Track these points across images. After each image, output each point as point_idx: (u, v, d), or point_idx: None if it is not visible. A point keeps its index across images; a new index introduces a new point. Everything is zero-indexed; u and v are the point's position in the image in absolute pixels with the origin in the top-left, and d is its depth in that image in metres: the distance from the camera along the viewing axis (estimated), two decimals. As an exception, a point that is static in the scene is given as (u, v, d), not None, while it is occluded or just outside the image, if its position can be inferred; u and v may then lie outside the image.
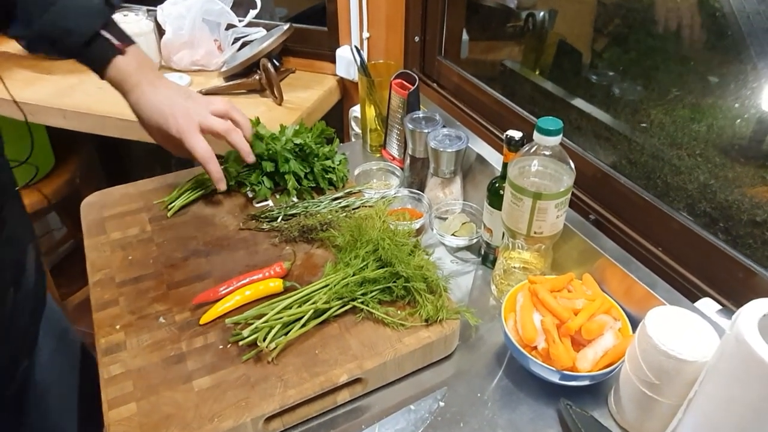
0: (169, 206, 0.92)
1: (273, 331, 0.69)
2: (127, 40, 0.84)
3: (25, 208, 0.82)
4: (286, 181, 0.96)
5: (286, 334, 0.70)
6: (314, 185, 0.99)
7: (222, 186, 0.89)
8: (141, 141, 1.31)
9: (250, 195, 0.97)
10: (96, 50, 0.81)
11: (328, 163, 1.00)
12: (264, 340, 0.68)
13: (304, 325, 0.71)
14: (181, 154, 0.88)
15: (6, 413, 0.80)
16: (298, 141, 0.97)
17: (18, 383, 0.75)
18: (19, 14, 0.77)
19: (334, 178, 1.00)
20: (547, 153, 0.73)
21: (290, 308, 0.72)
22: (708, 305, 0.73)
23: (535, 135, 0.72)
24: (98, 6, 0.81)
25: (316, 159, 0.99)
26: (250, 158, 0.91)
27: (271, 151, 0.96)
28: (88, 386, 0.95)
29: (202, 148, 0.85)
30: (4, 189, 0.75)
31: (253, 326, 0.69)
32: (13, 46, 1.61)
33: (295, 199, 0.96)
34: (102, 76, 0.84)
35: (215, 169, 0.87)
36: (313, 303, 0.72)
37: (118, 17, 1.46)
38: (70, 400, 0.93)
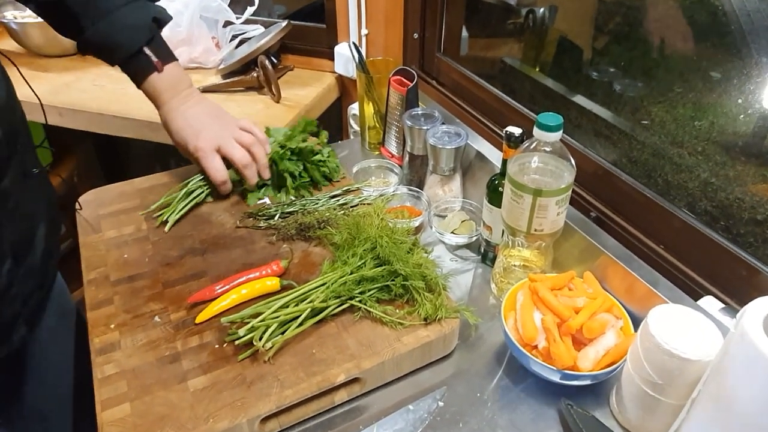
0: (165, 219, 0.89)
1: (269, 331, 0.68)
2: (166, 58, 0.89)
3: (46, 187, 0.84)
4: (284, 179, 0.95)
5: (282, 333, 0.69)
6: (308, 180, 0.98)
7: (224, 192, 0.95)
8: (139, 139, 1.31)
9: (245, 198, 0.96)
10: (136, 64, 0.87)
11: (318, 156, 0.99)
12: (260, 339, 0.67)
13: (301, 324, 0.70)
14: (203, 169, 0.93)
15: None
16: (293, 146, 0.97)
17: (14, 348, 0.75)
18: (73, 20, 0.83)
19: (327, 171, 1.00)
20: (547, 149, 0.72)
21: (287, 307, 0.71)
22: (711, 303, 0.72)
23: (535, 131, 0.70)
24: (146, 23, 0.86)
25: (307, 155, 0.98)
26: (267, 173, 0.95)
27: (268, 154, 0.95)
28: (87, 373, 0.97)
29: (215, 170, 0.90)
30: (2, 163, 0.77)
31: (249, 325, 0.68)
32: (9, 44, 1.60)
33: (293, 198, 0.95)
34: (138, 87, 0.91)
35: (225, 190, 0.94)
36: (311, 302, 0.71)
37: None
38: (66, 379, 0.93)
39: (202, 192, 0.94)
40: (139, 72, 0.88)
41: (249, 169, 0.92)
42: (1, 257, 0.69)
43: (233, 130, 0.93)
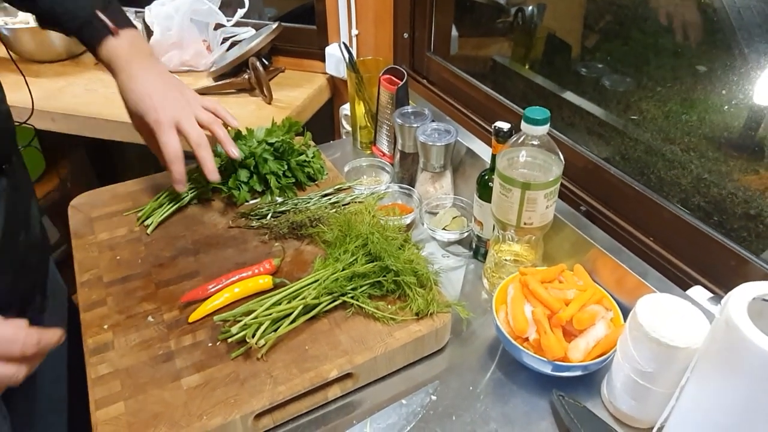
0: (146, 223, 0.89)
1: (262, 328, 0.68)
2: (123, 24, 0.84)
3: (26, 167, 0.84)
4: (268, 181, 0.95)
5: (275, 330, 0.69)
6: (293, 181, 0.98)
7: (181, 188, 0.86)
8: (132, 143, 1.31)
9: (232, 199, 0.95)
10: (91, 31, 0.82)
11: (303, 157, 0.99)
12: (253, 336, 0.67)
13: (293, 321, 0.70)
14: (152, 146, 0.87)
15: None
16: (272, 140, 0.96)
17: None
18: None
19: (312, 172, 1.00)
20: (535, 143, 0.72)
21: (279, 304, 0.71)
22: (699, 293, 0.72)
23: (523, 125, 0.71)
24: None
25: (291, 155, 0.98)
26: (234, 153, 0.89)
27: (248, 155, 0.94)
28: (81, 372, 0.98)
29: (171, 146, 0.82)
30: (11, 136, 0.78)
31: (241, 323, 0.68)
32: None
33: (279, 199, 0.95)
34: (96, 57, 0.85)
35: (178, 170, 0.84)
36: (303, 298, 0.71)
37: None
38: (60, 378, 0.93)
39: (186, 195, 0.92)
40: (94, 38, 0.83)
41: (203, 150, 0.84)
42: (17, 228, 0.70)
43: (196, 107, 0.86)
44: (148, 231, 0.88)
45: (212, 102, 0.90)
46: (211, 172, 0.86)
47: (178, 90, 0.86)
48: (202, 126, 0.85)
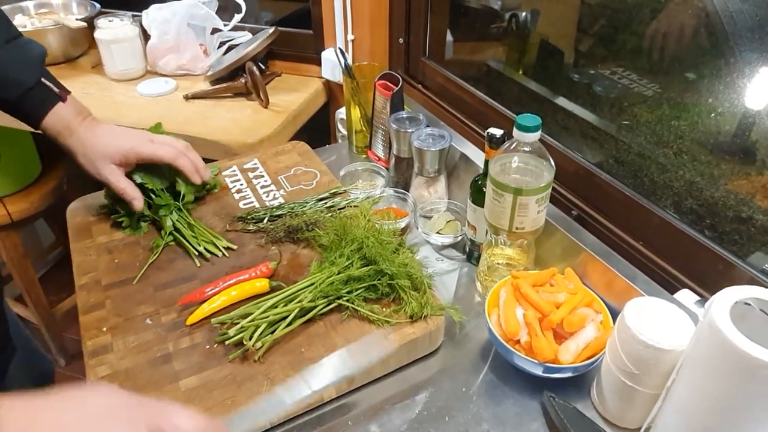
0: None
1: (259, 330, 0.69)
2: (64, 90, 0.86)
3: None
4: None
5: (272, 332, 0.70)
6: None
7: (196, 177, 0.90)
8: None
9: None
10: (36, 98, 0.83)
11: None
12: (250, 339, 0.68)
13: (290, 324, 0.71)
14: (115, 180, 0.87)
15: None
16: None
17: None
18: None
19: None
20: (526, 149, 0.74)
21: (276, 307, 0.72)
22: (687, 296, 0.74)
23: (515, 132, 0.73)
24: (38, 57, 0.84)
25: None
26: (197, 179, 0.91)
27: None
28: None
29: (165, 149, 0.87)
30: None
31: (239, 326, 0.69)
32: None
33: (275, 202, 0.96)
34: (37, 125, 0.85)
35: (185, 161, 0.88)
36: (299, 302, 0.73)
37: (103, 23, 1.47)
38: None
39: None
40: (40, 105, 0.84)
41: (182, 158, 0.88)
42: None
43: (148, 135, 0.89)
44: (136, 234, 0.89)
45: (165, 136, 0.92)
46: (194, 172, 0.90)
47: (128, 131, 0.90)
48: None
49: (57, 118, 0.85)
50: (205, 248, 0.86)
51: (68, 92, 0.87)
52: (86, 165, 0.87)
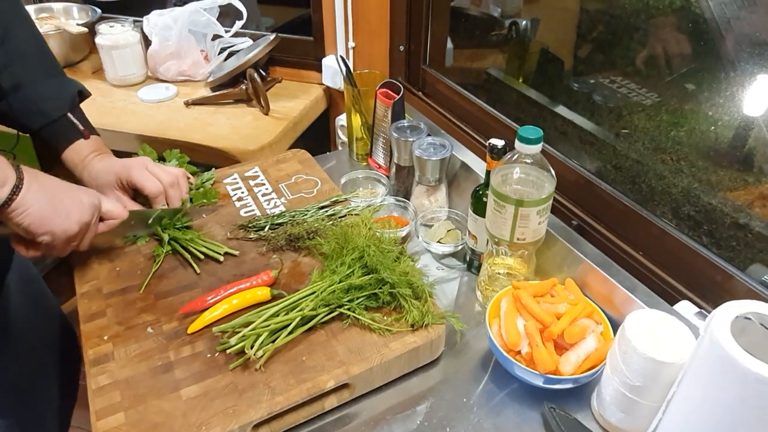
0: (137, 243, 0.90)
1: (260, 339, 0.69)
2: (91, 129, 0.92)
3: None
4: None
5: (273, 341, 0.70)
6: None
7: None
8: (126, 151, 1.32)
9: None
10: (59, 131, 0.89)
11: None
12: (251, 347, 0.68)
13: (291, 332, 0.72)
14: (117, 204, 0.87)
15: None
16: None
17: None
18: None
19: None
20: (528, 161, 0.74)
21: (277, 315, 0.72)
22: (686, 308, 0.75)
23: (517, 143, 0.73)
24: (71, 94, 0.90)
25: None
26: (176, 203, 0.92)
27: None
28: (67, 352, 1.01)
29: (151, 182, 0.88)
30: None
31: (240, 334, 0.70)
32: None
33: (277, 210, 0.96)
34: (58, 156, 0.91)
35: (161, 204, 0.90)
36: (300, 310, 0.73)
37: (104, 28, 1.48)
38: (43, 354, 0.96)
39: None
40: (62, 138, 0.89)
41: (160, 198, 0.90)
42: None
43: (145, 162, 0.92)
44: (138, 243, 0.90)
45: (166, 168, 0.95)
46: (177, 200, 0.92)
47: (131, 159, 0.93)
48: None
49: (75, 153, 0.90)
50: (204, 253, 0.86)
51: (94, 132, 0.93)
52: (107, 185, 0.90)
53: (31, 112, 0.87)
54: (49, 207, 0.71)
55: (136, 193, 0.91)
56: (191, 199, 0.96)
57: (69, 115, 0.89)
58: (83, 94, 0.93)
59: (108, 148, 0.94)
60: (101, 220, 0.81)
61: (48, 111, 0.87)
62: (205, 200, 0.98)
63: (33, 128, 0.88)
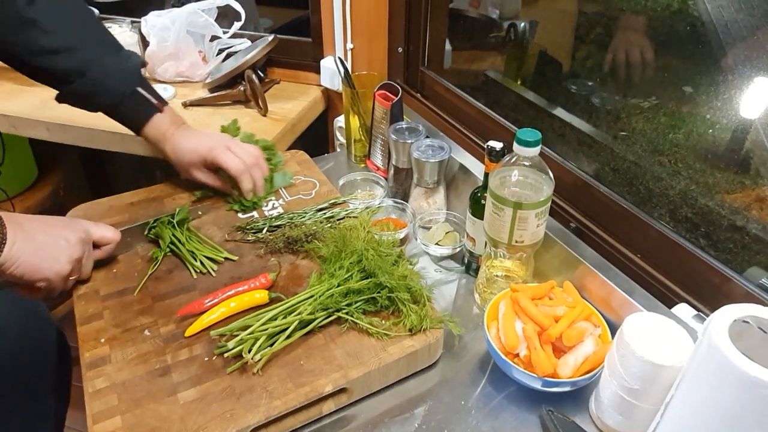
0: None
1: (258, 343, 0.69)
2: (161, 100, 0.95)
3: None
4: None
5: (271, 345, 0.70)
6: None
7: (250, 195, 0.97)
8: (126, 153, 1.31)
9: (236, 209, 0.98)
10: (133, 107, 0.92)
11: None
12: (249, 351, 0.68)
13: (289, 336, 0.71)
14: (208, 180, 0.98)
15: None
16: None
17: None
18: (62, 74, 0.88)
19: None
20: (527, 163, 0.74)
21: (275, 319, 0.72)
22: (684, 311, 0.74)
23: (515, 146, 0.73)
24: (136, 67, 0.92)
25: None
26: (248, 196, 0.97)
27: None
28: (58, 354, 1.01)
29: (233, 161, 0.93)
30: None
31: (238, 338, 0.69)
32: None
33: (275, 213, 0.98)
34: (138, 132, 0.95)
35: (247, 180, 0.95)
36: (299, 314, 0.73)
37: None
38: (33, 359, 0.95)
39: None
40: (139, 114, 0.93)
41: (245, 176, 0.94)
42: None
43: (227, 141, 0.96)
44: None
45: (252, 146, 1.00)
46: (260, 189, 0.98)
47: (215, 133, 1.00)
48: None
49: (155, 128, 0.94)
50: (201, 262, 0.86)
51: (165, 103, 0.96)
52: (179, 168, 0.98)
53: (101, 91, 0.89)
54: (35, 256, 0.73)
55: (218, 170, 0.96)
56: (272, 178, 1.02)
57: (139, 89, 0.91)
58: (139, 64, 0.95)
59: (180, 117, 0.98)
60: (97, 245, 0.82)
61: (118, 87, 0.89)
62: (282, 181, 1.03)
63: (107, 106, 0.91)
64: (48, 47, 0.86)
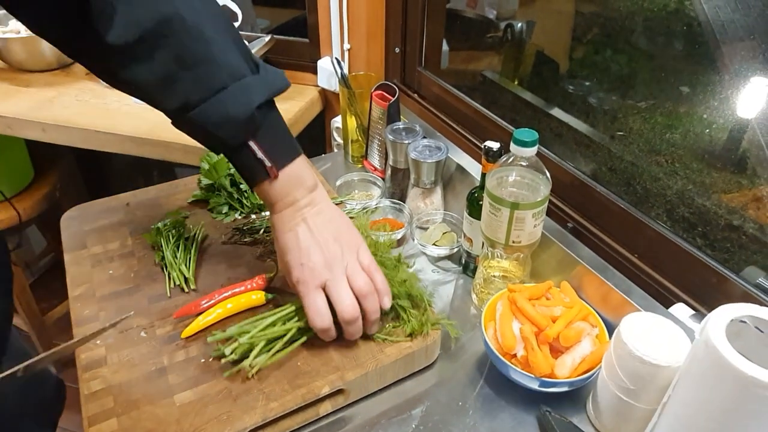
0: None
1: (256, 349, 0.68)
2: (283, 156, 0.69)
3: None
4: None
5: (268, 351, 0.69)
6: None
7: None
8: (122, 154, 1.31)
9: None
10: (244, 161, 0.68)
11: None
12: (246, 358, 0.67)
13: (287, 345, 0.70)
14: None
15: None
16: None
17: None
18: (182, 95, 0.64)
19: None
20: (524, 164, 0.74)
21: (274, 326, 0.71)
22: (682, 310, 0.74)
23: (512, 146, 0.73)
24: (247, 112, 0.64)
25: None
26: (374, 328, 0.74)
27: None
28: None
29: (316, 313, 0.69)
30: None
31: (235, 344, 0.68)
32: (-10, 59, 1.60)
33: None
34: (251, 188, 0.74)
35: (327, 337, 0.72)
36: (298, 320, 0.72)
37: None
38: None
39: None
40: (248, 173, 0.70)
41: (352, 326, 0.70)
42: None
43: (351, 262, 0.70)
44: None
45: (369, 257, 0.73)
46: (374, 324, 0.73)
47: (334, 237, 0.71)
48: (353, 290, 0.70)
49: (263, 194, 0.71)
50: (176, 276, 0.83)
51: (288, 160, 0.69)
52: (280, 264, 0.74)
53: (203, 138, 0.68)
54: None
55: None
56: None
57: (251, 143, 0.66)
58: (275, 91, 0.68)
59: (310, 185, 0.72)
60: None
61: (220, 137, 0.65)
62: None
63: (214, 150, 0.70)
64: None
